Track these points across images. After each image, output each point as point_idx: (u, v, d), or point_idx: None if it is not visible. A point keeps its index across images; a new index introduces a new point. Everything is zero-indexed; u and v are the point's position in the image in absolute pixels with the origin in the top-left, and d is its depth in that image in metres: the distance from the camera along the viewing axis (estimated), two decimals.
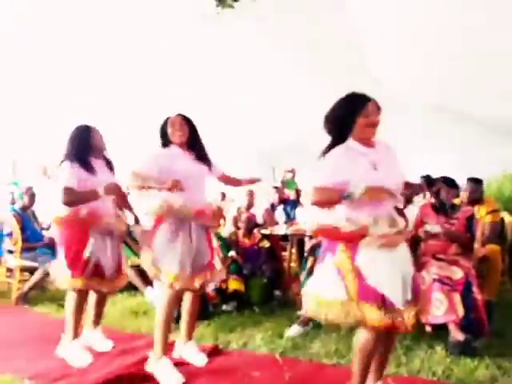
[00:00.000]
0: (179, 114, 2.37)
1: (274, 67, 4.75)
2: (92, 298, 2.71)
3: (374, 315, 1.64)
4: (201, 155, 2.41)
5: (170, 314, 2.28)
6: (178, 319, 2.74)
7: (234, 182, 2.72)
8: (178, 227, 2.25)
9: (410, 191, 1.94)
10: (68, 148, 2.53)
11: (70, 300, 2.50)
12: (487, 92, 4.92)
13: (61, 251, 2.51)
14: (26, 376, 2.24)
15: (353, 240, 1.70)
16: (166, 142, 2.36)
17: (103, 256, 2.51)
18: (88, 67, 4.40)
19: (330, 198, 1.71)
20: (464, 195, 3.21)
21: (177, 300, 2.33)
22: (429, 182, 3.08)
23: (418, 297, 1.76)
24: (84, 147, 2.52)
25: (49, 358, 2.49)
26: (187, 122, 2.36)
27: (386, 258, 1.69)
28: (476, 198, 3.21)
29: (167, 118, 2.37)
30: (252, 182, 2.75)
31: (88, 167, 2.48)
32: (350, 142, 1.78)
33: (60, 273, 2.49)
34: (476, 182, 3.30)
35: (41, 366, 2.40)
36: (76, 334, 2.51)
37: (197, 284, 2.27)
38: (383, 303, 1.66)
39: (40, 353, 2.57)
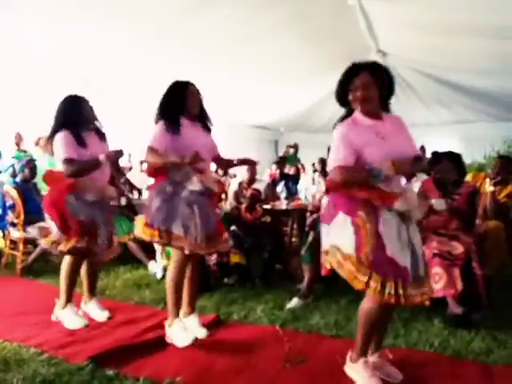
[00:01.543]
0: (192, 84, 2.32)
1: (277, 39, 4.62)
2: (83, 270, 2.73)
3: (384, 288, 1.65)
4: (208, 128, 2.42)
5: (179, 277, 2.32)
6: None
7: (228, 163, 2.60)
8: (177, 189, 2.25)
9: (420, 167, 1.92)
10: (57, 119, 2.50)
11: (65, 265, 2.56)
12: (492, 63, 4.82)
13: (51, 214, 2.51)
14: (31, 344, 2.29)
15: (376, 207, 1.69)
16: (180, 109, 2.29)
17: (90, 216, 2.51)
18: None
19: (356, 178, 1.70)
20: (492, 172, 3.11)
21: (185, 264, 2.34)
22: (435, 157, 3.03)
23: (424, 278, 1.77)
24: (73, 118, 2.48)
25: (53, 327, 2.56)
26: (198, 92, 2.34)
27: (404, 231, 1.71)
28: (506, 178, 3.10)
29: (183, 85, 2.30)
30: (246, 162, 2.60)
31: (78, 139, 2.45)
32: (357, 115, 1.78)
33: (52, 236, 2.52)
34: (508, 160, 3.19)
35: (46, 334, 2.45)
36: (69, 299, 2.57)
37: (206, 250, 2.32)
38: (397, 275, 1.66)
39: (45, 322, 2.62)
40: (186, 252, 2.23)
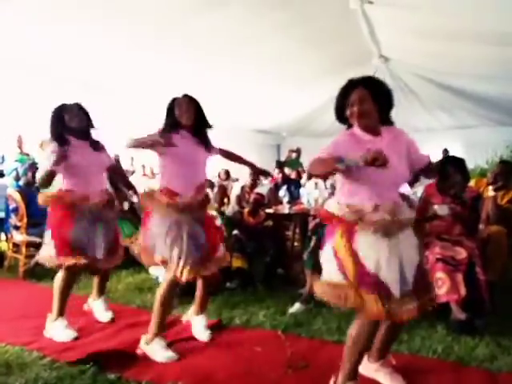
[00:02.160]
0: (185, 95, 2.34)
1: (278, 42, 4.64)
2: (96, 276, 2.77)
3: (372, 304, 1.63)
4: (204, 138, 2.40)
5: (169, 298, 2.29)
6: (181, 295, 2.78)
7: (235, 156, 2.68)
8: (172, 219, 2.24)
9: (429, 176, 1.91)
10: (49, 129, 2.53)
11: (59, 279, 2.53)
12: (494, 69, 4.83)
13: (48, 232, 2.54)
14: (34, 347, 2.29)
15: (350, 225, 1.69)
16: (173, 123, 2.31)
17: (90, 237, 2.50)
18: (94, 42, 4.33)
19: (324, 165, 1.64)
20: (491, 177, 3.10)
21: (175, 286, 2.32)
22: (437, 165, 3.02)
23: (423, 286, 1.73)
24: (58, 128, 2.50)
25: None
26: (193, 102, 2.33)
27: (384, 245, 1.66)
28: (506, 183, 3.07)
29: (174, 99, 2.34)
30: (258, 171, 2.73)
31: (62, 151, 2.40)
32: (355, 129, 1.78)
33: (46, 252, 2.52)
34: (508, 166, 3.15)
35: (48, 338, 2.45)
36: (61, 313, 2.54)
37: (201, 273, 2.30)
38: (380, 291, 1.64)
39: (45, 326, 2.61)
40: (183, 280, 2.22)
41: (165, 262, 2.26)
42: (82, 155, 2.51)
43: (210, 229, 2.42)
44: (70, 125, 2.52)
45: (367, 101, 1.72)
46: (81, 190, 2.50)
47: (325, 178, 1.76)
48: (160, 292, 2.28)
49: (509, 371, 2.02)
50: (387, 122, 1.81)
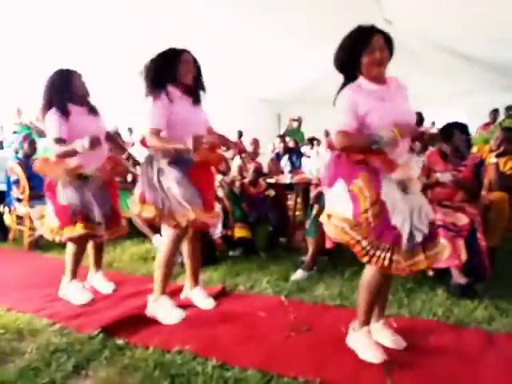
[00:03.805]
0: (187, 51, 2.20)
1: (279, 11, 4.48)
2: (89, 245, 2.77)
3: (384, 258, 1.65)
4: (199, 100, 2.30)
5: (171, 253, 2.27)
6: (183, 264, 2.82)
7: (219, 139, 2.46)
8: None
9: (427, 140, 1.90)
10: (47, 94, 2.43)
11: (69, 247, 2.58)
12: (501, 36, 4.68)
13: (48, 202, 2.54)
14: (44, 315, 2.35)
15: (375, 170, 1.66)
16: (172, 78, 2.16)
17: (85, 201, 2.47)
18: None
19: (356, 143, 1.67)
20: (494, 144, 3.08)
21: (180, 237, 2.29)
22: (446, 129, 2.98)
23: (431, 243, 1.75)
24: (63, 94, 2.41)
25: (64, 299, 2.61)
26: (194, 61, 2.22)
27: (408, 197, 1.68)
28: (509, 149, 3.06)
29: (176, 51, 2.17)
30: (229, 144, 2.40)
31: (66, 115, 2.38)
32: (361, 80, 1.74)
33: (49, 224, 2.53)
34: (511, 131, 3.14)
35: (57, 306, 2.51)
36: (74, 276, 2.61)
37: (202, 219, 2.22)
38: (399, 245, 1.66)
39: (55, 295, 2.67)
40: (183, 225, 2.17)
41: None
42: (83, 122, 2.46)
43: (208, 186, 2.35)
44: (77, 91, 2.46)
45: (385, 48, 1.70)
46: (81, 158, 2.45)
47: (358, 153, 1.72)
48: (162, 252, 2.27)
49: (506, 332, 2.07)
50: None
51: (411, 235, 1.67)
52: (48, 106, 2.43)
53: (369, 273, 1.79)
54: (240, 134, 6.32)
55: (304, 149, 5.89)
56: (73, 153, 2.38)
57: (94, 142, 2.31)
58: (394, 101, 1.72)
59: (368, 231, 1.67)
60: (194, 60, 2.22)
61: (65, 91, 2.42)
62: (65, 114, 2.39)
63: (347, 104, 1.70)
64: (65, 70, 2.48)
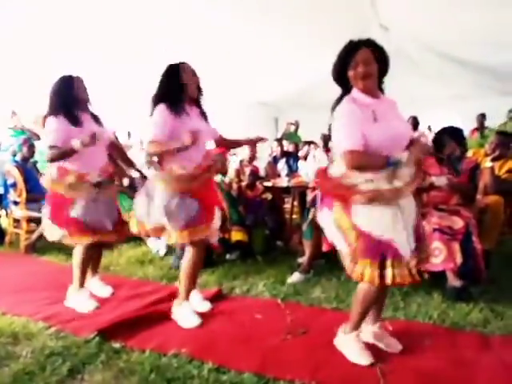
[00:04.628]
0: (185, 63, 2.24)
1: (278, 16, 4.50)
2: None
3: (373, 273, 1.69)
4: (203, 112, 2.34)
5: (197, 262, 2.33)
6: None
7: (232, 144, 2.60)
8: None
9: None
10: (52, 100, 2.46)
11: (77, 253, 2.58)
12: (496, 40, 4.71)
13: (47, 210, 2.56)
14: (39, 318, 2.34)
15: (345, 199, 1.71)
16: (179, 90, 2.20)
17: (94, 214, 2.50)
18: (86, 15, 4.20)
19: (371, 163, 1.68)
20: (489, 148, 3.11)
21: (201, 248, 2.34)
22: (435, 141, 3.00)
23: (421, 247, 1.77)
24: (68, 99, 2.44)
25: (60, 302, 2.60)
26: (194, 73, 2.25)
27: (384, 211, 1.69)
28: (503, 153, 3.09)
29: (178, 65, 2.22)
30: (255, 141, 2.59)
31: (75, 120, 2.42)
32: (355, 93, 1.75)
33: (53, 231, 2.54)
34: (506, 136, 3.17)
35: (53, 309, 2.50)
36: (82, 284, 2.61)
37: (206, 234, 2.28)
38: (387, 254, 1.67)
39: (51, 298, 2.67)
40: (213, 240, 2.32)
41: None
42: (88, 125, 2.48)
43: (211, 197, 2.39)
44: (79, 96, 2.48)
45: (372, 63, 1.71)
46: (84, 168, 2.48)
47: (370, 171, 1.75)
48: (187, 260, 2.31)
49: (501, 334, 2.09)
50: (381, 88, 1.82)
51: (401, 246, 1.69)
52: (52, 112, 2.44)
53: (363, 287, 1.81)
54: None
55: (301, 152, 5.89)
56: (68, 153, 2.39)
57: (90, 140, 2.33)
58: (389, 117, 1.73)
59: (356, 254, 1.72)
60: (194, 72, 2.26)
61: (69, 97, 2.45)
62: (71, 119, 2.41)
63: (349, 119, 1.69)
64: (68, 76, 2.49)
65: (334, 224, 1.76)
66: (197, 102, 2.32)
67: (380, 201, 1.67)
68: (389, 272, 1.68)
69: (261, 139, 2.56)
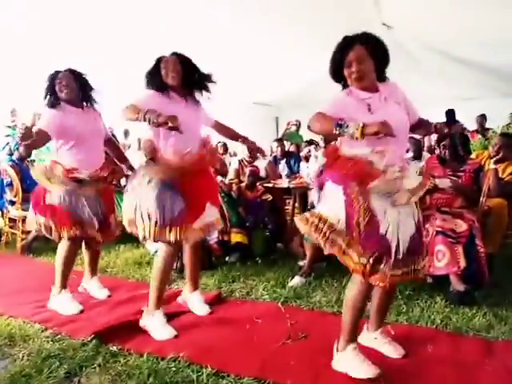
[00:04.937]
0: (174, 53, 2.21)
1: (278, 15, 4.47)
2: (85, 248, 2.75)
3: (367, 266, 1.60)
4: (193, 100, 2.27)
5: (167, 268, 2.23)
6: (182, 269, 2.78)
7: (229, 132, 2.51)
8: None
9: (426, 131, 1.88)
10: (44, 95, 2.47)
11: (61, 251, 2.51)
12: (500, 40, 4.69)
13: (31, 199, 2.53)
14: (36, 320, 2.30)
15: (367, 177, 1.61)
16: (159, 84, 2.17)
17: (77, 207, 2.45)
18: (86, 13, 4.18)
19: (324, 125, 1.61)
20: (492, 150, 3.08)
21: (174, 254, 2.26)
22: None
23: (420, 251, 1.72)
24: (51, 97, 2.45)
25: None
26: (181, 62, 2.18)
27: (394, 209, 1.64)
28: (507, 155, 3.04)
29: (160, 58, 2.21)
30: (253, 148, 2.43)
31: (60, 113, 2.40)
32: (352, 88, 1.72)
33: (32, 220, 2.50)
34: (509, 138, 3.13)
35: (49, 311, 2.47)
36: (64, 285, 2.54)
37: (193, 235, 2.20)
38: (389, 255, 1.62)
39: (47, 300, 2.60)
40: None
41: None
42: (80, 124, 2.44)
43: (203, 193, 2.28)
44: (60, 95, 2.45)
45: (365, 59, 1.66)
46: (76, 164, 2.44)
47: (324, 135, 1.72)
48: (157, 265, 2.22)
49: (505, 339, 2.05)
50: (383, 78, 1.77)
51: (398, 247, 1.63)
52: (45, 105, 2.44)
53: (353, 290, 1.73)
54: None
55: (303, 152, 5.85)
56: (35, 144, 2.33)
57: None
58: (384, 110, 1.67)
59: (356, 239, 1.61)
60: (178, 58, 2.19)
61: (51, 94, 2.45)
62: (57, 112, 2.40)
63: (335, 99, 1.70)
64: (55, 72, 2.48)
65: (342, 199, 1.63)
66: (189, 91, 2.25)
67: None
68: (380, 269, 1.61)
69: (261, 152, 2.47)
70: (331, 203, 1.68)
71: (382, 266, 1.62)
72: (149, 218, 2.11)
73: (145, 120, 1.91)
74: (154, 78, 2.19)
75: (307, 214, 1.72)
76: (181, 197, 2.13)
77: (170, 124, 1.87)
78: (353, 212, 1.62)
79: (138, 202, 2.14)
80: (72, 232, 2.43)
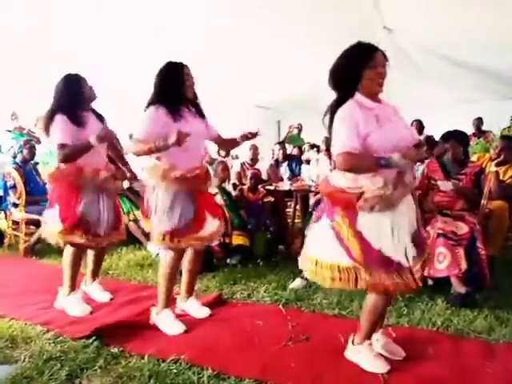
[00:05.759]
0: (184, 64, 2.21)
1: (279, 16, 4.49)
2: (90, 254, 2.75)
3: (384, 279, 1.65)
4: (201, 112, 2.30)
5: (174, 268, 2.28)
6: (180, 273, 2.77)
7: (230, 143, 2.54)
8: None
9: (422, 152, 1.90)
10: (57, 99, 2.42)
11: (67, 254, 2.53)
12: (501, 43, 4.70)
13: (53, 207, 2.51)
14: (37, 322, 2.31)
15: (351, 205, 1.66)
16: (178, 94, 2.17)
17: (96, 212, 2.47)
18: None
19: (363, 164, 1.64)
20: (493, 152, 3.09)
21: (181, 254, 2.31)
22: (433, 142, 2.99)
23: (423, 250, 1.75)
24: (74, 99, 2.41)
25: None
26: (191, 74, 2.22)
27: (388, 216, 1.66)
28: (508, 158, 3.05)
29: (177, 66, 2.18)
30: (249, 137, 2.43)
31: (78, 120, 2.39)
32: (359, 97, 1.70)
33: (52, 228, 2.49)
34: (510, 141, 3.14)
35: (51, 313, 2.48)
36: (73, 288, 2.55)
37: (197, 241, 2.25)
38: (390, 266, 1.65)
39: (49, 301, 2.63)
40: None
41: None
42: (92, 125, 2.45)
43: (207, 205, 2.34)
44: (88, 96, 2.47)
45: (385, 66, 1.69)
46: (89, 165, 2.45)
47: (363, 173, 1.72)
48: (163, 268, 2.26)
49: (506, 342, 2.05)
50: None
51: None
52: (57, 111, 2.39)
53: (372, 298, 1.78)
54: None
55: (306, 155, 5.86)
56: (77, 154, 2.36)
57: (101, 137, 2.31)
58: (393, 121, 1.70)
59: (363, 264, 1.67)
60: (191, 73, 2.22)
61: (76, 96, 2.42)
62: (75, 120, 2.38)
63: (347, 122, 1.65)
64: (74, 74, 2.47)
65: (332, 231, 1.71)
66: (193, 102, 2.27)
67: (383, 206, 1.63)
68: (394, 280, 1.65)
69: (254, 134, 2.44)
70: (328, 239, 1.73)
71: (393, 276, 1.65)
72: (159, 222, 2.17)
73: (158, 151, 2.07)
74: (176, 89, 2.16)
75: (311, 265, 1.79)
76: (192, 205, 2.21)
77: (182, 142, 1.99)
78: (344, 242, 1.68)
79: (154, 203, 2.18)
80: (80, 239, 2.44)
